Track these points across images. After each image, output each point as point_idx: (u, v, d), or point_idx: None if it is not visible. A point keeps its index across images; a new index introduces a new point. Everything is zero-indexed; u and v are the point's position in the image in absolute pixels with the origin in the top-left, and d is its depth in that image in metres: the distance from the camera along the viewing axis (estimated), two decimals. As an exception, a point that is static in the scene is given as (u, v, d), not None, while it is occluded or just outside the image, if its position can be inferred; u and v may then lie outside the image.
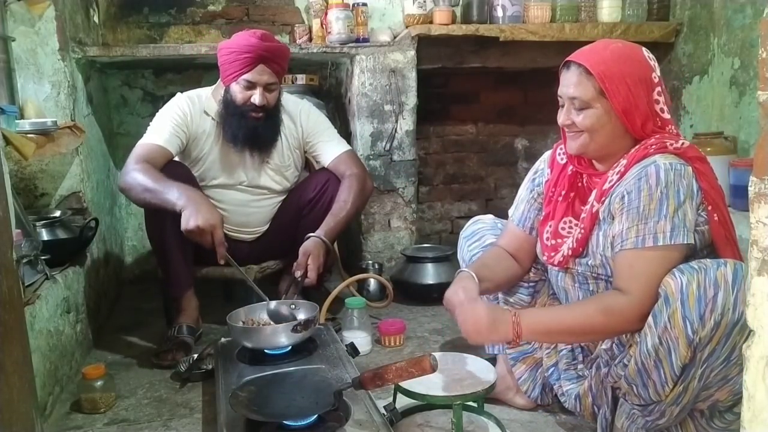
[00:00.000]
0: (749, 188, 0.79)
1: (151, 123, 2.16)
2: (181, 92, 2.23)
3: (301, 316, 1.85)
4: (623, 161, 1.37)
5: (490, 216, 1.78)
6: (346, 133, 2.85)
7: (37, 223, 2.01)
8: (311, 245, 2.05)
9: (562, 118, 1.42)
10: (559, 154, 1.55)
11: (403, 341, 2.15)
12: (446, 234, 3.49)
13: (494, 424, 1.55)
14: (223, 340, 1.92)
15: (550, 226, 1.52)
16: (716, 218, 1.33)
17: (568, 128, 1.43)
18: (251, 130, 2.14)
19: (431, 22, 2.73)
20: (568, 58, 1.40)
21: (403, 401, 1.52)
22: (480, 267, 1.55)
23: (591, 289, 1.46)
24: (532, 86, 3.35)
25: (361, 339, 1.99)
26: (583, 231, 1.42)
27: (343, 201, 2.16)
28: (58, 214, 2.16)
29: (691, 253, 1.30)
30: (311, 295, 2.15)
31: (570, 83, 1.38)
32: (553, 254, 1.49)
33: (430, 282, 2.54)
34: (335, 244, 2.37)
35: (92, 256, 2.34)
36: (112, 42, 2.87)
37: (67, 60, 2.27)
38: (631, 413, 1.37)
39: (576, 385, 1.54)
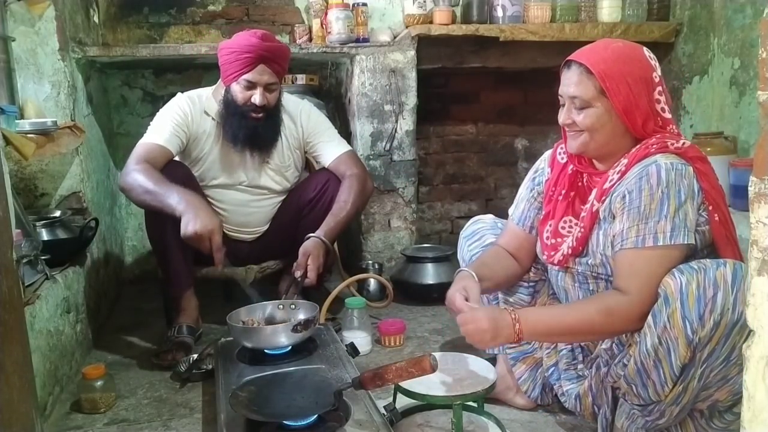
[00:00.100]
0: (749, 188, 0.79)
1: (151, 123, 2.16)
2: (182, 92, 2.23)
3: (301, 316, 1.85)
4: (624, 161, 1.37)
5: (490, 216, 1.78)
6: (346, 133, 2.85)
7: (37, 223, 2.01)
8: (311, 245, 2.05)
9: (562, 117, 1.43)
10: (560, 154, 1.55)
11: (403, 341, 2.15)
12: (446, 234, 3.49)
13: (494, 424, 1.55)
14: (223, 340, 1.92)
15: (550, 226, 1.52)
16: (717, 218, 1.33)
17: (569, 127, 1.43)
18: (251, 130, 2.14)
19: (431, 22, 2.73)
20: (569, 58, 1.40)
21: (403, 401, 1.52)
22: (480, 266, 1.55)
23: (591, 288, 1.46)
24: (532, 86, 3.35)
25: (361, 339, 1.99)
26: (583, 230, 1.42)
27: (344, 201, 2.16)
28: (58, 214, 2.16)
29: (691, 253, 1.30)
30: (311, 295, 2.15)
31: (571, 82, 1.38)
32: (553, 253, 1.49)
33: (430, 282, 2.54)
34: (335, 244, 2.37)
35: (92, 256, 2.34)
36: (112, 42, 2.87)
37: (67, 60, 2.27)
38: (631, 413, 1.37)
39: (576, 385, 1.54)
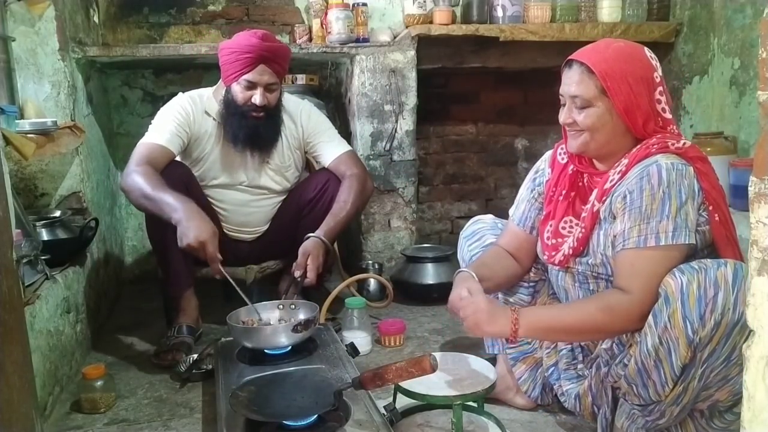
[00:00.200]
0: (749, 188, 0.79)
1: (152, 122, 2.16)
2: (182, 92, 2.23)
3: (301, 316, 1.85)
4: (624, 161, 1.37)
5: (490, 216, 1.78)
6: (346, 133, 2.85)
7: (37, 223, 2.01)
8: (311, 245, 2.05)
9: (563, 116, 1.43)
10: (560, 154, 1.55)
11: (403, 341, 2.15)
12: (446, 234, 3.49)
13: (494, 424, 1.55)
14: (223, 340, 1.92)
15: (551, 226, 1.52)
16: (717, 218, 1.33)
17: (569, 127, 1.43)
18: (252, 130, 2.14)
19: (431, 22, 2.73)
20: (570, 57, 1.40)
21: (403, 401, 1.52)
22: (479, 266, 1.55)
23: (591, 288, 1.46)
24: (532, 86, 3.35)
25: (361, 339, 1.99)
26: (583, 230, 1.42)
27: (343, 201, 2.16)
28: (58, 214, 2.16)
29: (692, 253, 1.30)
30: (311, 295, 2.15)
31: (572, 82, 1.38)
32: (553, 253, 1.49)
33: (430, 282, 2.54)
34: (335, 244, 2.37)
35: (92, 256, 2.34)
36: (112, 42, 2.87)
37: (67, 60, 2.27)
38: (631, 413, 1.37)
39: (576, 385, 1.54)
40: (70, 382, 1.89)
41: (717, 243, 1.34)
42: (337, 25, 2.68)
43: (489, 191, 3.53)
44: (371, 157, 2.78)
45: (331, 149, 2.28)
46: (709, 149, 2.26)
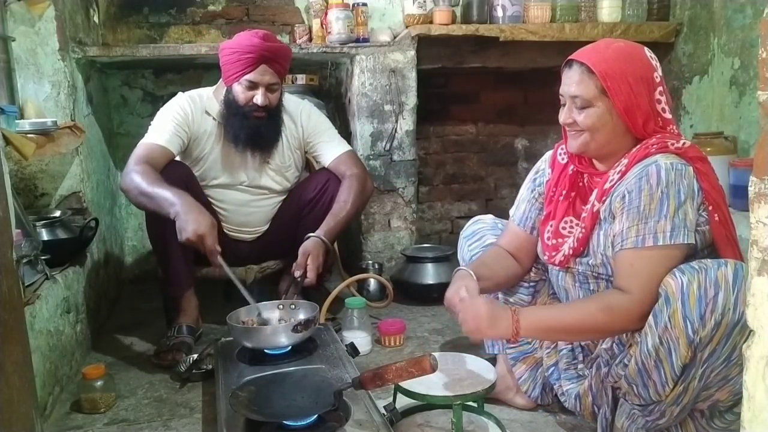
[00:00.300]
0: (749, 188, 0.79)
1: (152, 122, 2.16)
2: (182, 92, 2.23)
3: (301, 316, 1.85)
4: (624, 161, 1.37)
5: (491, 216, 1.78)
6: (346, 133, 2.85)
7: (37, 223, 2.01)
8: (311, 245, 2.05)
9: (563, 116, 1.43)
10: (560, 154, 1.55)
11: (403, 341, 2.15)
12: (446, 234, 3.49)
13: (494, 424, 1.55)
14: (223, 340, 1.92)
15: (551, 226, 1.52)
16: (717, 218, 1.33)
17: (569, 127, 1.43)
18: (253, 130, 2.14)
19: (431, 22, 2.73)
20: (570, 57, 1.40)
21: (403, 401, 1.52)
22: (479, 266, 1.55)
23: (591, 288, 1.46)
24: (532, 86, 3.35)
25: (361, 339, 1.99)
26: (584, 230, 1.42)
27: (343, 201, 2.16)
28: (58, 214, 2.16)
29: (691, 253, 1.30)
30: (311, 295, 2.15)
31: (572, 81, 1.38)
32: (554, 254, 1.49)
33: (430, 282, 2.54)
34: (335, 244, 2.37)
35: (92, 256, 2.34)
36: (112, 42, 2.87)
37: (67, 60, 2.27)
38: (631, 413, 1.37)
39: (576, 385, 1.54)
40: (70, 382, 1.89)
41: (717, 243, 1.34)
42: (337, 25, 2.68)
43: (489, 191, 3.53)
44: (371, 157, 2.78)
45: (331, 149, 2.28)
46: (709, 149, 2.26)
